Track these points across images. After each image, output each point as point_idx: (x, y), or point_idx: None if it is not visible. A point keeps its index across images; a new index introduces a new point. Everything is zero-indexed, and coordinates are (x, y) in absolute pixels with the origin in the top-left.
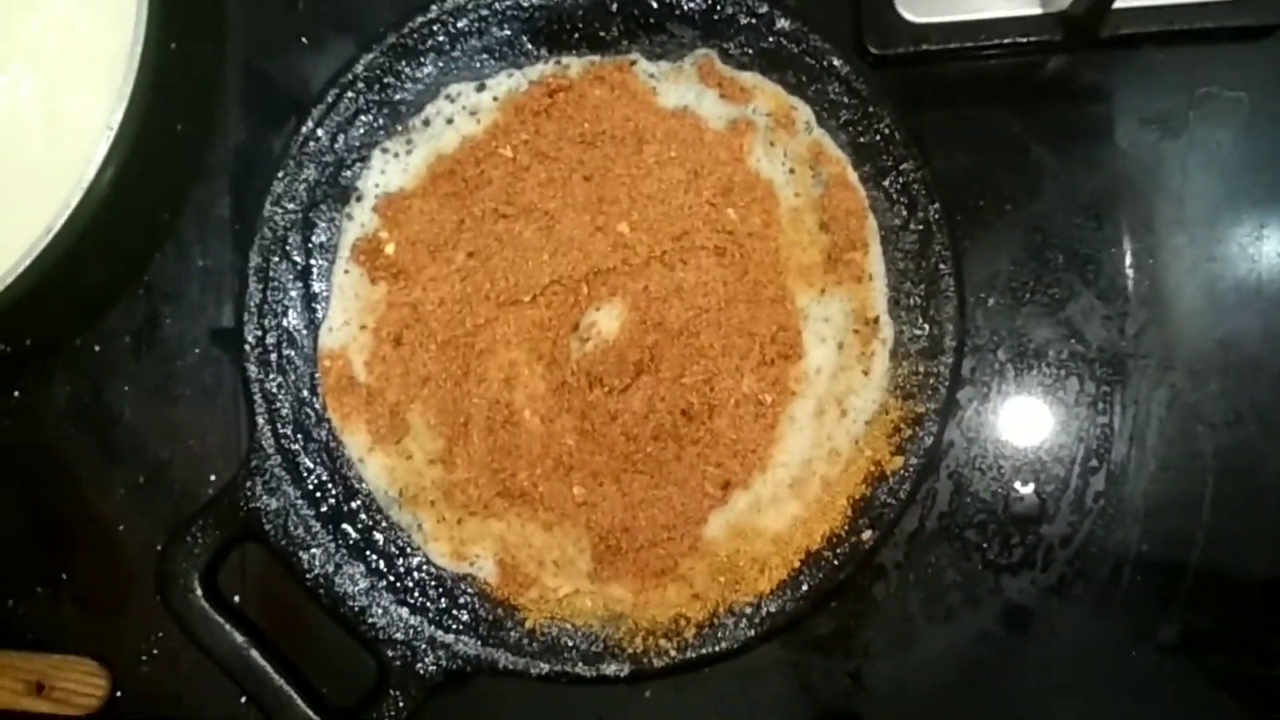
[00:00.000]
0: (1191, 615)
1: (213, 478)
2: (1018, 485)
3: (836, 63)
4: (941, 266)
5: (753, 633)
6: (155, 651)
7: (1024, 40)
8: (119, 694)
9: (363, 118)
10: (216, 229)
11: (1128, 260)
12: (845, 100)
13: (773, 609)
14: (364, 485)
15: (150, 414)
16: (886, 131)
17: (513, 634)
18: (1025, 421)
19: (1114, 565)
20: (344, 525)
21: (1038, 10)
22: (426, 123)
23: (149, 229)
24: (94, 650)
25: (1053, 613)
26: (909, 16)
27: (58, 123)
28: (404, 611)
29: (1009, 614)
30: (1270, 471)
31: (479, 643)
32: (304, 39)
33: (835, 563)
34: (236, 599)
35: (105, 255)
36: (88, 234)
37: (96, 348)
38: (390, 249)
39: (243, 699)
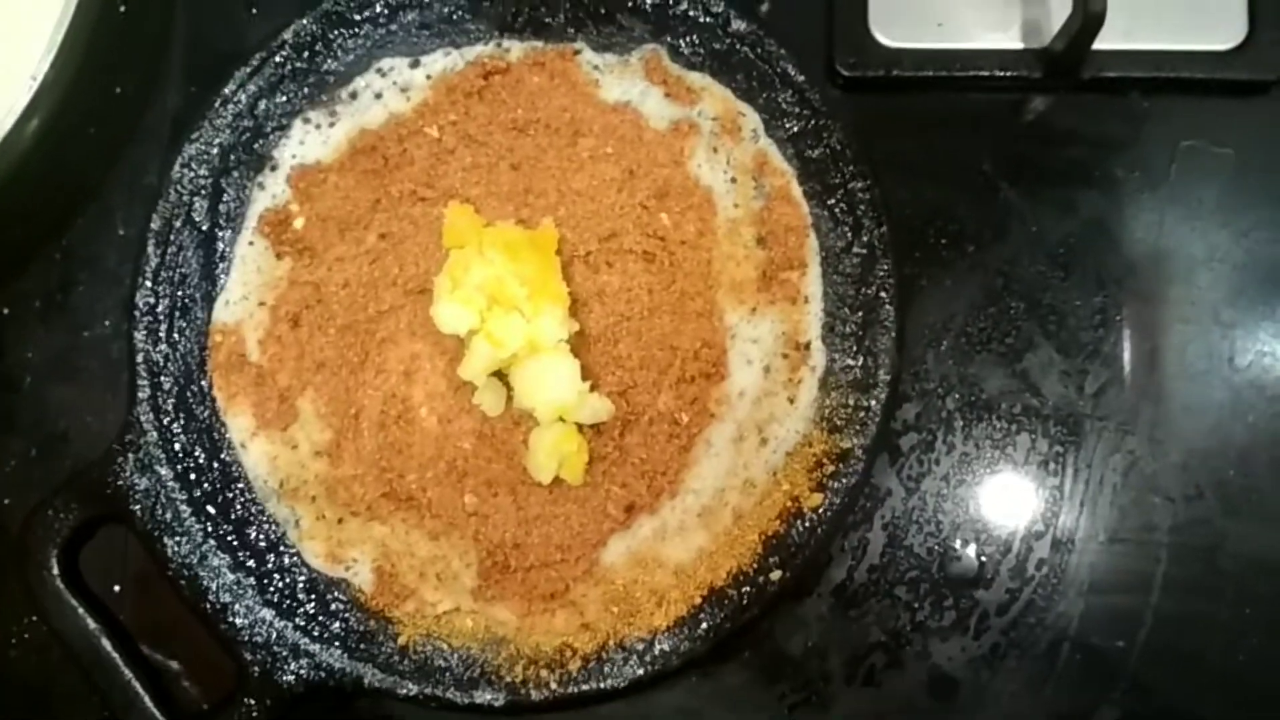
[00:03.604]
0: (1132, 701)
1: None
2: (956, 544)
3: (790, 70)
4: (882, 294)
5: (642, 671)
6: (26, 635)
7: (1001, 74)
8: None
9: (288, 85)
10: (143, 197)
11: (1093, 315)
12: (797, 111)
13: (666, 647)
14: (243, 473)
15: (52, 384)
16: (837, 147)
17: (384, 649)
18: (970, 476)
19: (1052, 640)
20: (216, 513)
21: (1019, 45)
22: (354, 95)
23: (73, 191)
24: None
25: (983, 685)
26: (883, 40)
27: None
28: (269, 613)
29: (935, 682)
30: (1229, 553)
31: (346, 655)
32: (254, 9)
33: (740, 603)
34: (117, 589)
35: (23, 213)
36: (4, 188)
37: (4, 310)
38: (299, 223)
39: None
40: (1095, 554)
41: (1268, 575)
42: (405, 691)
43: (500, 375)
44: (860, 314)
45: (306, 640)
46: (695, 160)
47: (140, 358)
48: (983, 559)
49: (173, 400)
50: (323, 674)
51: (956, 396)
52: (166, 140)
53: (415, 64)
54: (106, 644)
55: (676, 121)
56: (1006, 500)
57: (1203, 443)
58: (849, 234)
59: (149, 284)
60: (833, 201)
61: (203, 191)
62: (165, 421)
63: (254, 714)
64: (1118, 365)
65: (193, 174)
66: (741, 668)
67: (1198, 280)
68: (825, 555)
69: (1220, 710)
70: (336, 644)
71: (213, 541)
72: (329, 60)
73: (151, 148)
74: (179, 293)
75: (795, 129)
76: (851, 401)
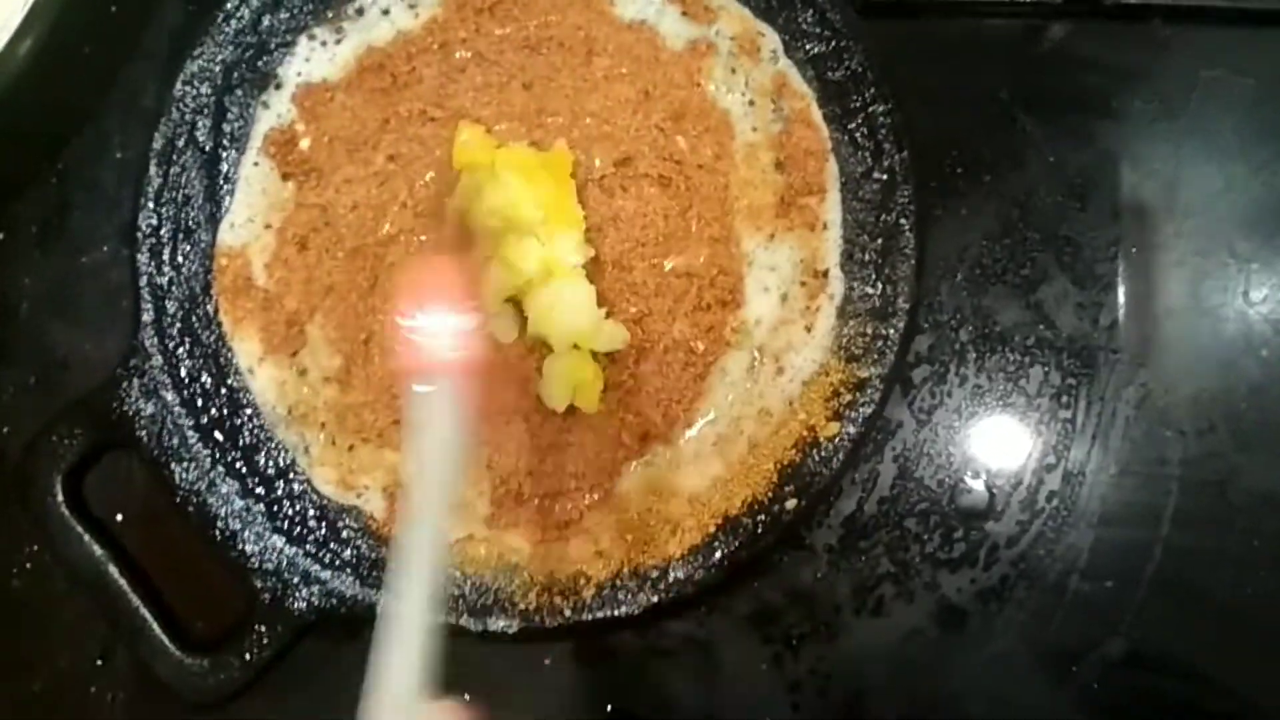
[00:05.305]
0: (1140, 633)
1: None
2: (967, 476)
3: None
4: (903, 221)
5: (656, 599)
6: (29, 565)
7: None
8: None
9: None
10: (141, 118)
11: (1108, 246)
12: (817, 32)
13: (680, 575)
14: (251, 398)
15: (50, 310)
16: (858, 69)
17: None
18: (982, 408)
19: (1061, 571)
20: (224, 439)
21: None
22: (360, 11)
23: (69, 112)
24: None
25: (991, 616)
26: None
27: None
28: (279, 540)
29: (944, 613)
30: (1240, 488)
31: (357, 582)
32: None
33: (754, 531)
34: (122, 516)
35: (17, 136)
36: None
37: (0, 235)
38: (305, 143)
39: None
40: (1106, 487)
41: (1278, 510)
42: None
43: (513, 301)
44: (880, 241)
45: (317, 567)
46: (712, 81)
47: (143, 281)
48: (993, 491)
49: (178, 325)
50: (334, 601)
51: (970, 328)
52: (165, 59)
53: None
54: (113, 571)
55: (693, 41)
56: (1018, 432)
57: (1215, 376)
58: (869, 159)
59: (151, 205)
60: (853, 126)
61: (205, 110)
62: (170, 346)
63: (265, 640)
64: (1132, 298)
65: (195, 92)
66: (751, 598)
67: (1215, 211)
68: (836, 487)
69: (1226, 643)
70: (348, 571)
71: (221, 468)
72: None
73: (149, 67)
74: (182, 215)
75: (815, 50)
76: (869, 330)
